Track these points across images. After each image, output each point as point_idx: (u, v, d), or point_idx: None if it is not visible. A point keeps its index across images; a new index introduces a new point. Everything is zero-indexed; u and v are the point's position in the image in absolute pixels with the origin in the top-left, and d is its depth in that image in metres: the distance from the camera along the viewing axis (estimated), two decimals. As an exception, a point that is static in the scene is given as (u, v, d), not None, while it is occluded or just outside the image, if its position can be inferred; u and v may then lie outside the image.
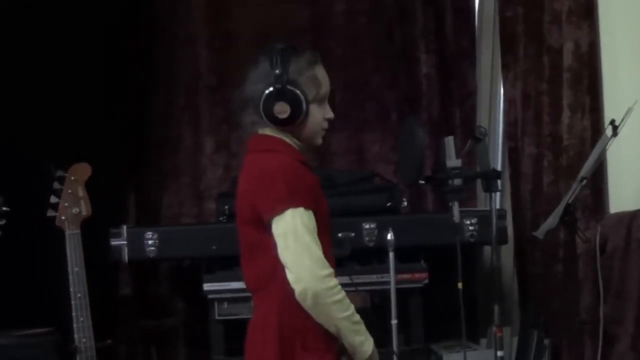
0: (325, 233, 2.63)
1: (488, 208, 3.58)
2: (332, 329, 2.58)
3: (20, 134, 4.36)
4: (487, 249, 4.75)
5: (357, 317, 2.61)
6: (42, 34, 4.45)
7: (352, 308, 2.60)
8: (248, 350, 2.69)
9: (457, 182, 3.27)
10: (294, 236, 2.52)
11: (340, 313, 2.57)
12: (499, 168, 4.69)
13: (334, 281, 2.56)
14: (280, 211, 2.53)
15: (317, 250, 2.54)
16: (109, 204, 4.49)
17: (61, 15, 4.48)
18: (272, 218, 2.55)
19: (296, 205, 2.54)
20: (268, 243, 2.57)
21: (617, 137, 3.76)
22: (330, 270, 2.56)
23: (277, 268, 2.57)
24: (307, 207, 2.56)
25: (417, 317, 4.31)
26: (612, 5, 4.36)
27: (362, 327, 2.63)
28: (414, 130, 3.50)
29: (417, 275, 4.28)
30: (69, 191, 3.72)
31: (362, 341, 2.63)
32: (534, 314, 4.40)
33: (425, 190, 5.03)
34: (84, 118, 4.61)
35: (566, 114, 4.39)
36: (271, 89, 2.61)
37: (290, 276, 2.53)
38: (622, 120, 3.72)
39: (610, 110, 4.26)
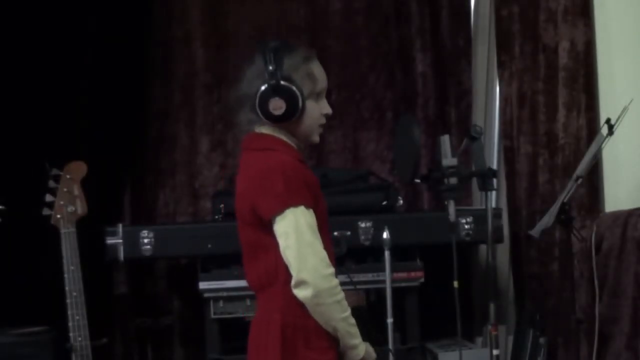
0: (325, 232, 2.62)
1: (484, 207, 3.58)
2: (330, 329, 2.58)
3: (15, 132, 4.35)
4: (483, 248, 4.75)
5: (353, 319, 2.61)
6: (36, 32, 4.44)
7: (349, 310, 2.60)
8: (251, 349, 2.67)
9: (453, 180, 3.27)
10: (296, 235, 2.52)
11: (339, 314, 2.57)
12: (494, 167, 4.69)
13: (336, 281, 2.56)
14: (281, 210, 2.53)
15: (320, 248, 2.54)
16: (105, 202, 4.49)
17: (57, 13, 4.47)
18: (273, 217, 2.54)
19: (296, 204, 2.53)
20: (270, 242, 2.57)
21: (612, 136, 3.77)
22: (333, 269, 2.56)
23: (280, 267, 2.57)
24: (307, 206, 2.55)
25: (412, 315, 4.31)
26: (608, 4, 4.36)
27: (357, 330, 2.63)
28: (410, 128, 3.49)
29: (413, 274, 4.28)
30: (65, 190, 3.72)
31: (357, 344, 2.63)
32: (529, 313, 4.40)
33: (421, 189, 5.02)
34: (80, 116, 4.61)
35: (562, 113, 4.40)
36: (265, 86, 2.61)
37: (293, 274, 2.53)
38: (618, 119, 3.73)
39: (606, 109, 4.27)
